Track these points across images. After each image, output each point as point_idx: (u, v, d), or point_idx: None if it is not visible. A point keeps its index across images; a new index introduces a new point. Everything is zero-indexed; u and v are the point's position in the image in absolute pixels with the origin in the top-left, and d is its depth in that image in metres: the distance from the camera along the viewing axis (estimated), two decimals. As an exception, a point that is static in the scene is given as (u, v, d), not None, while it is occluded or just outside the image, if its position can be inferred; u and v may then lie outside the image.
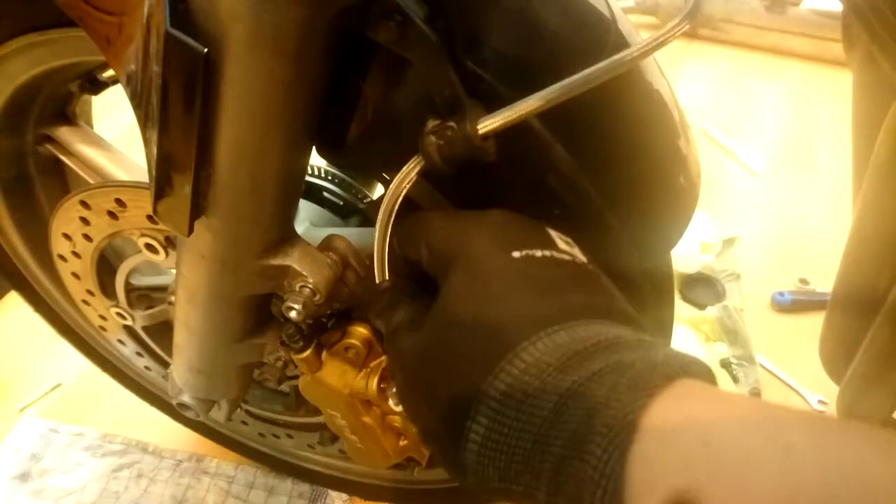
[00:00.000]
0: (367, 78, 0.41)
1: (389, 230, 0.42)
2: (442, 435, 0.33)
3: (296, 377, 0.69)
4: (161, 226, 0.55)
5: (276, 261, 0.47)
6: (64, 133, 0.65)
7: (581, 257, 0.37)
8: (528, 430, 0.29)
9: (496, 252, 0.35)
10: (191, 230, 0.43)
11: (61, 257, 0.65)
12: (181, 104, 0.36)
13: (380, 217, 0.41)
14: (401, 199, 0.41)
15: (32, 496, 0.95)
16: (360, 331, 0.51)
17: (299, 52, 0.36)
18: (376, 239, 0.42)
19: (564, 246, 0.37)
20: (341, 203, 0.75)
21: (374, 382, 0.51)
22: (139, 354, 0.77)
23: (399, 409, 0.52)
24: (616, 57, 0.36)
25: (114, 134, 1.00)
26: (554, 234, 0.38)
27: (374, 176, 0.78)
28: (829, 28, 2.11)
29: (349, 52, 0.39)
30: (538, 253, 0.35)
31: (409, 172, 0.40)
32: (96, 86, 0.62)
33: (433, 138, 0.38)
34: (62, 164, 0.67)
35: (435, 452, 0.35)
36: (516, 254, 0.35)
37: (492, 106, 0.37)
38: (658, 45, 0.36)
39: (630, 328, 0.33)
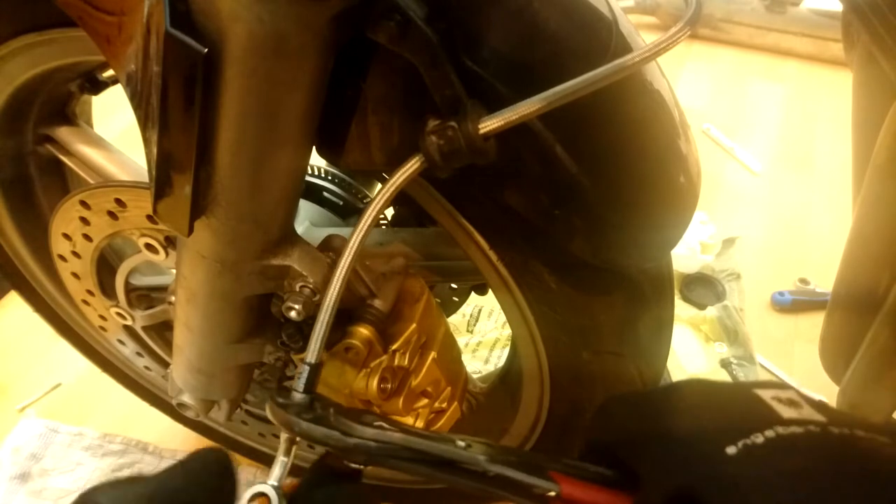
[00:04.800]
0: (367, 78, 0.41)
1: (370, 225, 0.41)
2: None
3: (296, 377, 0.69)
4: (161, 226, 0.55)
5: (276, 261, 0.47)
6: (64, 133, 0.65)
7: (816, 416, 0.28)
8: None
9: (705, 454, 0.27)
10: (191, 230, 0.43)
11: (61, 257, 0.65)
12: (181, 104, 0.36)
13: (369, 208, 0.41)
14: (392, 194, 0.41)
15: (32, 496, 0.95)
16: (360, 331, 0.51)
17: (299, 52, 0.36)
18: (356, 230, 0.41)
19: (789, 411, 0.29)
20: (341, 203, 0.75)
21: (374, 382, 0.51)
22: (139, 354, 0.77)
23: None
24: (618, 61, 0.36)
25: (114, 134, 1.00)
26: (768, 395, 0.30)
27: (374, 176, 0.78)
28: (829, 28, 2.11)
29: (349, 52, 0.39)
30: (759, 438, 0.27)
31: (408, 171, 0.40)
32: (96, 86, 0.62)
33: (434, 138, 0.38)
34: (62, 164, 0.67)
35: None
36: (731, 449, 0.27)
37: (492, 106, 0.37)
38: (659, 50, 0.36)
39: None
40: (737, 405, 0.30)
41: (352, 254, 0.40)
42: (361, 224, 0.41)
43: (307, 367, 0.40)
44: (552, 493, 0.31)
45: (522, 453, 0.34)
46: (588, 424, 0.35)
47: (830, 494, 0.24)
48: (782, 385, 0.31)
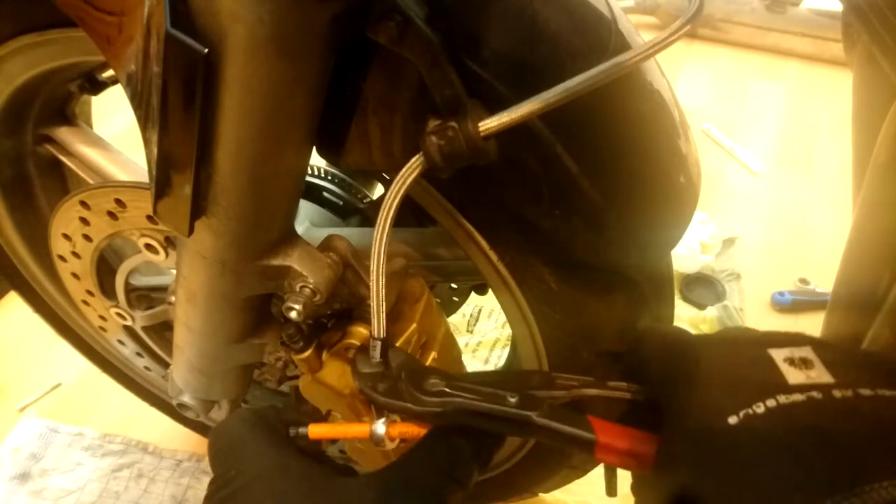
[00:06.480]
0: (367, 78, 0.41)
1: (389, 229, 0.42)
2: None
3: (296, 377, 0.69)
4: (161, 226, 0.55)
5: (277, 261, 0.47)
6: (63, 133, 0.65)
7: (823, 378, 0.29)
8: None
9: (710, 422, 0.29)
10: (191, 230, 0.43)
11: (61, 257, 0.65)
12: (181, 104, 0.36)
13: (380, 217, 0.41)
14: (400, 198, 0.41)
15: (32, 496, 0.95)
16: (361, 331, 0.51)
17: (299, 52, 0.36)
18: (375, 239, 0.42)
19: (798, 374, 0.30)
20: (341, 203, 0.75)
21: (374, 383, 0.51)
22: (139, 354, 0.77)
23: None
24: (617, 59, 0.36)
25: (114, 134, 1.00)
26: (781, 356, 0.31)
27: (374, 176, 0.78)
28: (829, 28, 2.11)
29: (349, 52, 0.39)
30: (760, 408, 0.28)
31: (410, 172, 0.40)
32: (96, 86, 0.62)
33: (434, 138, 0.38)
34: (62, 165, 0.67)
35: None
36: (733, 419, 0.28)
37: (492, 106, 0.37)
38: (659, 47, 0.36)
39: None
40: (748, 368, 0.31)
41: (381, 258, 0.42)
42: (381, 228, 0.42)
43: (378, 342, 0.44)
44: (592, 439, 0.35)
45: (566, 401, 0.40)
46: (626, 352, 0.39)
47: (813, 468, 0.26)
48: (799, 341, 0.32)
